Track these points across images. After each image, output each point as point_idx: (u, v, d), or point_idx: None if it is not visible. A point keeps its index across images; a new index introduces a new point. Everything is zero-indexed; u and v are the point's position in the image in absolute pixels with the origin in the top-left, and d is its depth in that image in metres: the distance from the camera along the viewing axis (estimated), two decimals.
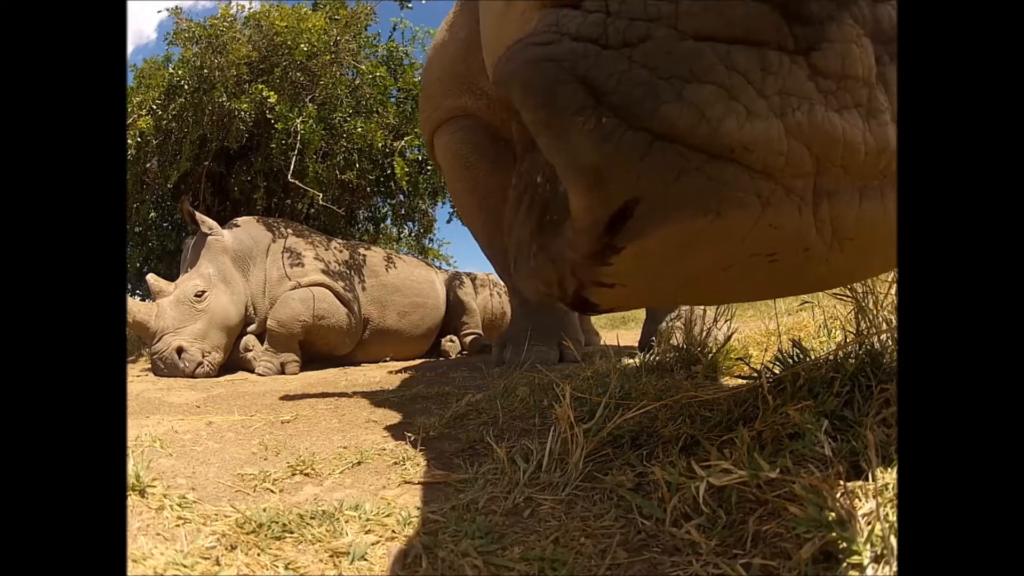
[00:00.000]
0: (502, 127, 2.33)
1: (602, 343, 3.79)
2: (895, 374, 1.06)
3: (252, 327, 3.33)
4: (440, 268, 4.90)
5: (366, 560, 0.76)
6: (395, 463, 1.20)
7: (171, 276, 3.51)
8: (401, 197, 5.13)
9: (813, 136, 0.56)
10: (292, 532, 0.85)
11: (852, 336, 1.21)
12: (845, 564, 0.63)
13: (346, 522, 0.87)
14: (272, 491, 1.08)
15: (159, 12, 4.47)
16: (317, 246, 3.74)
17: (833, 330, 1.74)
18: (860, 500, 0.71)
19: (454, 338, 4.31)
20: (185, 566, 0.75)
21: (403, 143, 4.28)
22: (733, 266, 0.63)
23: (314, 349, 3.47)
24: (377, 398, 2.03)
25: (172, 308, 3.06)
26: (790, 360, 1.17)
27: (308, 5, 4.53)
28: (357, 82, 4.36)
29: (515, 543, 0.78)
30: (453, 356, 4.16)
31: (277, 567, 0.76)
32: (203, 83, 3.90)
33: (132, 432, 1.48)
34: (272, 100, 3.86)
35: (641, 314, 4.03)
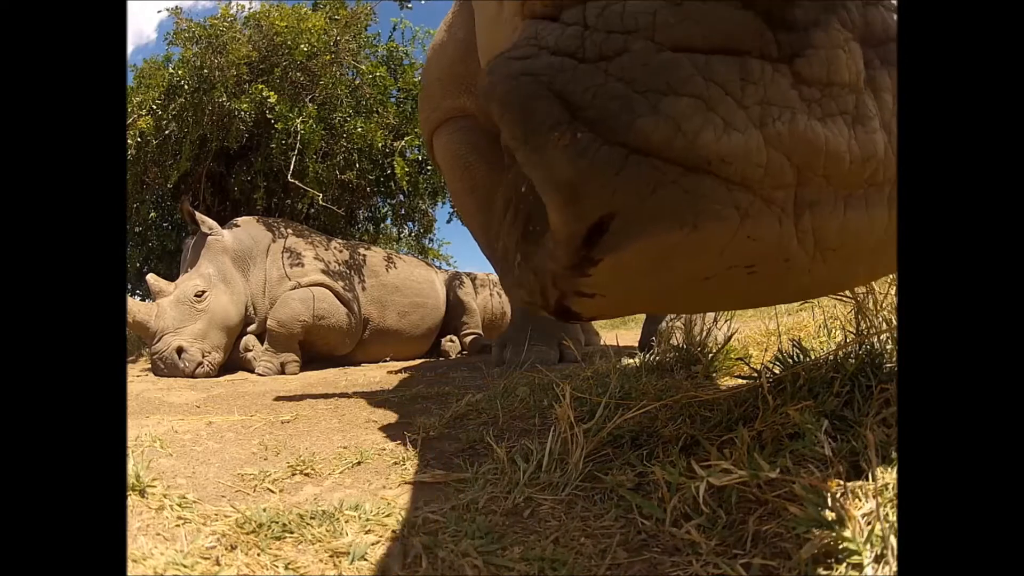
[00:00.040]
0: None
1: (602, 343, 3.80)
2: (895, 374, 1.06)
3: (252, 327, 3.33)
4: (440, 268, 4.90)
5: (366, 560, 0.76)
6: (395, 463, 1.20)
7: (171, 276, 3.51)
8: (401, 197, 5.13)
9: (794, 146, 0.55)
10: (292, 532, 0.85)
11: (852, 336, 1.21)
12: (845, 564, 0.63)
13: (346, 522, 0.87)
14: (272, 491, 1.08)
15: (159, 12, 4.47)
16: (317, 246, 3.74)
17: (833, 330, 1.74)
18: (860, 500, 0.71)
19: (454, 338, 4.31)
20: (185, 566, 0.75)
21: (403, 143, 4.28)
22: (712, 277, 0.62)
23: (314, 349, 3.47)
24: (377, 398, 2.03)
25: (172, 308, 3.06)
26: (790, 360, 1.18)
27: (308, 5, 4.53)
28: (357, 82, 4.36)
29: (515, 543, 0.78)
30: (453, 356, 4.16)
31: (277, 567, 0.76)
32: (203, 83, 3.90)
33: (132, 432, 1.48)
34: (272, 100, 3.86)
35: (641, 314, 4.03)
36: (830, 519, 0.68)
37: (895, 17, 0.65)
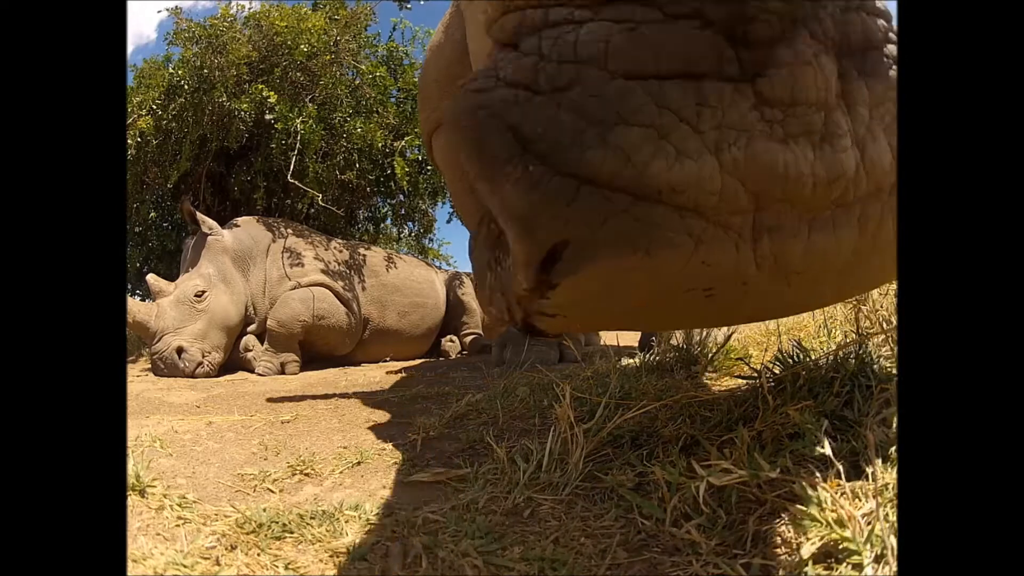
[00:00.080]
0: None
1: (602, 343, 3.80)
2: (895, 374, 1.06)
3: (252, 327, 3.33)
4: (440, 268, 4.90)
5: (366, 560, 0.76)
6: (395, 463, 1.20)
7: (171, 276, 3.51)
8: (401, 197, 5.13)
9: (750, 172, 0.55)
10: (292, 532, 0.85)
11: (852, 336, 1.21)
12: (845, 564, 0.63)
13: (346, 522, 0.87)
14: (272, 491, 1.08)
15: (159, 12, 4.47)
16: (317, 246, 3.74)
17: (833, 330, 1.74)
18: (860, 500, 0.71)
19: (454, 338, 4.31)
20: (185, 566, 0.75)
21: (403, 143, 4.28)
22: (669, 301, 0.63)
23: (314, 349, 3.47)
24: (377, 398, 2.03)
25: (172, 308, 3.06)
26: (790, 360, 1.17)
27: (308, 5, 4.53)
28: (357, 82, 4.36)
29: (515, 543, 0.78)
30: (453, 356, 4.16)
31: (277, 567, 0.76)
32: (203, 83, 3.90)
33: (132, 432, 1.48)
34: (272, 100, 3.86)
35: None
36: (830, 519, 0.68)
37: (880, 22, 0.64)
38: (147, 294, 3.49)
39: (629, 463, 0.99)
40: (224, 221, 3.60)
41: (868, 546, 0.63)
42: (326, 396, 2.19)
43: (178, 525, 0.88)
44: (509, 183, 0.54)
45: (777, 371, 1.14)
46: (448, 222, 5.46)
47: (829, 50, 0.59)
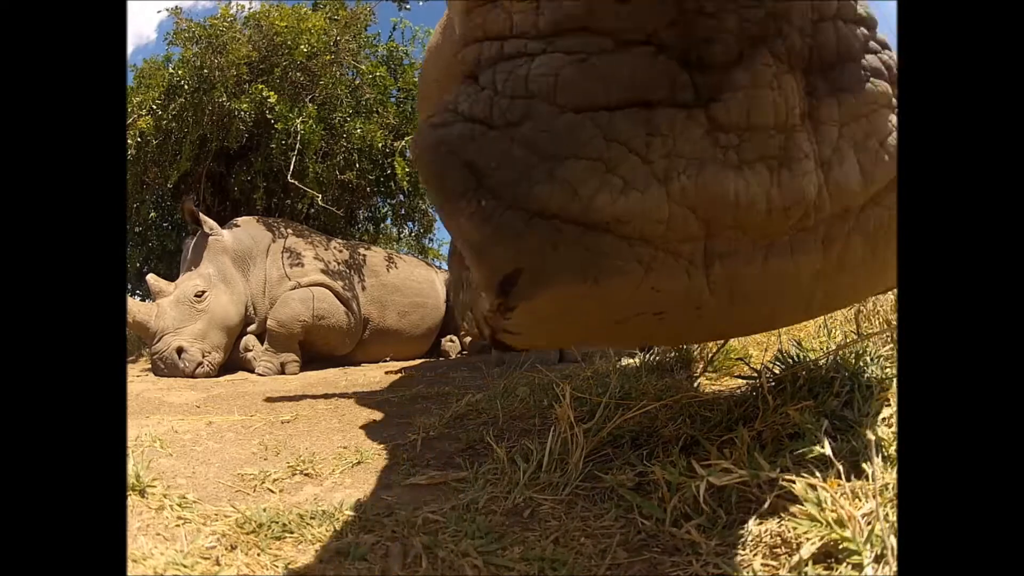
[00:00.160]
0: None
1: None
2: (895, 375, 1.06)
3: (252, 327, 3.33)
4: (440, 268, 4.89)
5: (366, 560, 0.76)
6: (395, 463, 1.20)
7: (171, 276, 3.50)
8: (401, 197, 5.13)
9: (700, 201, 0.56)
10: (292, 532, 0.85)
11: (852, 336, 1.21)
12: (845, 564, 0.63)
13: (346, 522, 0.87)
14: (272, 491, 1.08)
15: (159, 12, 4.46)
16: (317, 246, 3.74)
17: (833, 330, 1.74)
18: (860, 500, 0.71)
19: (454, 338, 4.31)
20: (185, 566, 0.75)
21: (403, 143, 4.27)
22: (622, 322, 0.65)
23: (314, 349, 3.47)
24: (377, 398, 2.03)
25: (172, 308, 3.06)
26: (790, 360, 1.17)
27: (308, 5, 4.53)
28: (357, 82, 4.35)
29: (515, 543, 0.78)
30: (453, 356, 4.15)
31: (277, 567, 0.76)
32: (203, 83, 3.90)
33: (132, 432, 1.48)
34: (272, 100, 3.86)
35: None
36: (830, 519, 0.68)
37: (859, 31, 0.63)
38: (147, 294, 3.48)
39: (629, 463, 0.99)
40: (224, 221, 3.59)
41: (868, 546, 0.63)
42: (326, 396, 2.19)
43: (178, 525, 0.88)
44: (464, 216, 0.56)
45: (777, 371, 1.14)
46: None
47: (795, 68, 0.59)
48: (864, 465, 0.79)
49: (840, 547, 0.64)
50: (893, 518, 0.66)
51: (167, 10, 4.07)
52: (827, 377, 1.06)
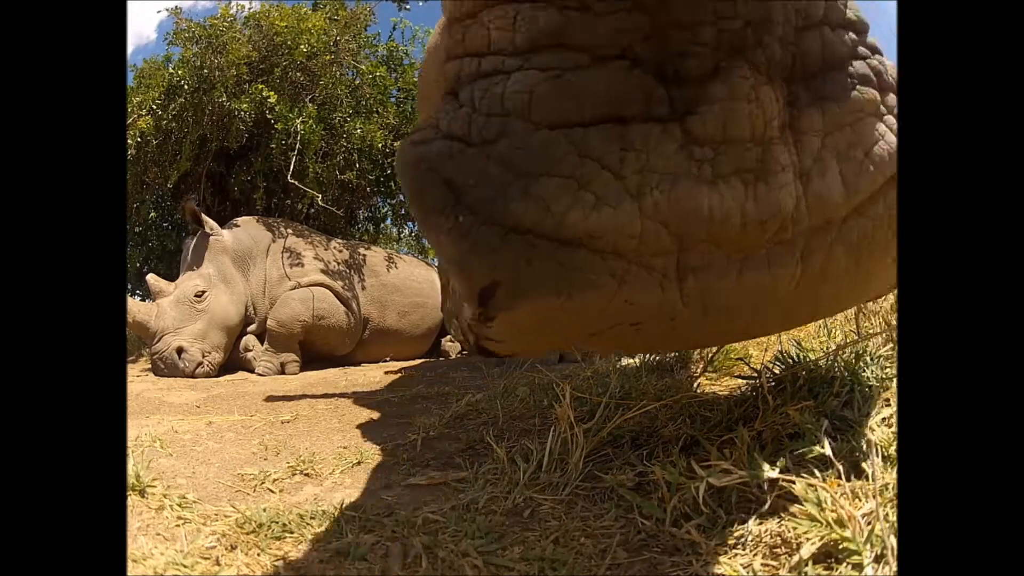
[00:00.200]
0: None
1: None
2: (894, 375, 1.06)
3: (252, 327, 3.33)
4: None
5: (366, 560, 0.76)
6: (395, 463, 1.20)
7: (171, 276, 3.51)
8: (401, 197, 5.12)
9: (672, 216, 0.57)
10: (292, 532, 0.85)
11: (852, 336, 1.21)
12: (845, 564, 0.63)
13: (346, 522, 0.87)
14: (272, 491, 1.08)
15: (159, 12, 4.46)
16: (317, 246, 3.74)
17: (833, 330, 1.73)
18: (860, 500, 0.71)
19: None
20: (185, 566, 0.75)
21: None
22: (598, 333, 0.67)
23: (314, 349, 3.47)
24: (377, 398, 2.03)
25: (172, 308, 3.06)
26: (790, 360, 1.17)
27: (308, 5, 4.53)
28: (357, 82, 4.35)
29: (515, 543, 0.78)
30: (453, 356, 4.15)
31: (277, 567, 0.76)
32: (203, 83, 3.90)
33: (132, 432, 1.48)
34: (272, 100, 3.86)
35: None
36: (830, 519, 0.68)
37: (847, 36, 0.63)
38: (147, 294, 3.48)
39: (629, 463, 0.99)
40: (224, 221, 3.60)
41: (868, 546, 0.63)
42: (326, 396, 2.19)
43: (178, 525, 0.88)
44: (443, 231, 0.58)
45: (777, 371, 1.14)
46: None
47: (775, 78, 0.59)
48: (864, 465, 0.79)
49: (840, 547, 0.64)
50: (893, 518, 0.66)
51: (167, 10, 4.07)
52: (827, 377, 1.06)
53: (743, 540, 0.73)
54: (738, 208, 0.57)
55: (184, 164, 3.98)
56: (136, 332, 3.10)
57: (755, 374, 1.17)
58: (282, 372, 3.23)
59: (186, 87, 3.89)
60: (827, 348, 1.28)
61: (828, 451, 0.78)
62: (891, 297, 1.26)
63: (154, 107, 3.88)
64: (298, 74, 4.14)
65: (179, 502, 0.97)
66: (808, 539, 0.67)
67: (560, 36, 0.58)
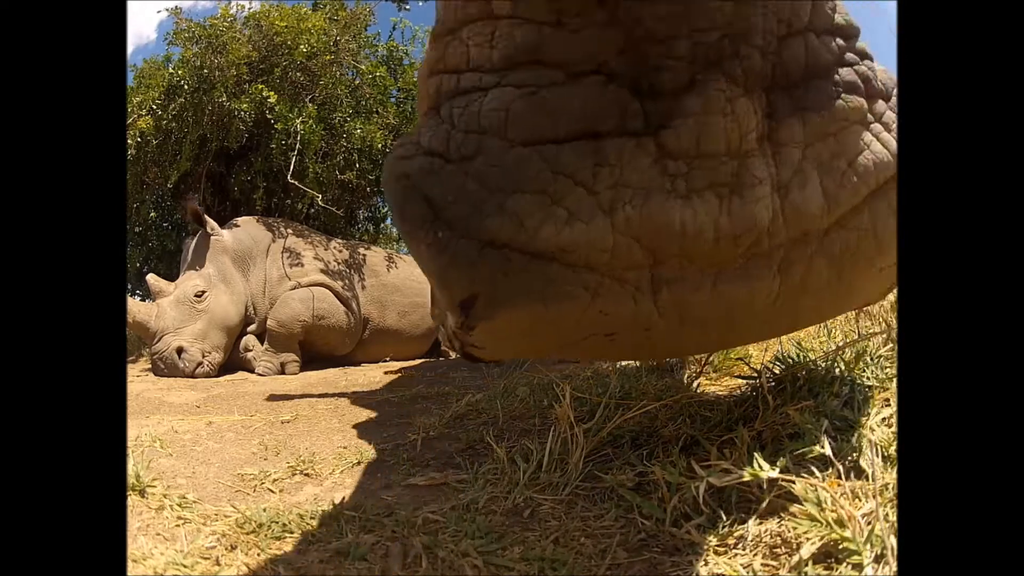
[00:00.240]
0: None
1: None
2: (894, 375, 1.06)
3: (252, 327, 3.33)
4: None
5: (366, 560, 0.76)
6: (395, 463, 1.20)
7: (171, 276, 3.51)
8: None
9: (644, 231, 0.58)
10: (292, 532, 0.85)
11: (852, 336, 1.21)
12: (845, 564, 0.63)
13: (346, 522, 0.87)
14: (272, 491, 1.08)
15: (159, 12, 4.46)
16: (317, 246, 3.74)
17: (833, 330, 1.73)
18: (860, 500, 0.71)
19: None
20: (185, 566, 0.75)
21: None
22: (574, 343, 0.68)
23: (314, 349, 3.47)
24: (377, 398, 2.03)
25: (172, 308, 3.06)
26: (790, 360, 1.17)
27: (308, 5, 4.53)
28: (357, 82, 4.36)
29: (515, 543, 0.78)
30: (453, 356, 4.15)
31: (277, 567, 0.76)
32: (203, 83, 3.90)
33: (132, 432, 1.48)
34: (272, 100, 3.86)
35: None
36: (830, 519, 0.68)
37: (835, 43, 0.62)
38: (147, 294, 3.48)
39: (629, 463, 0.99)
40: (224, 221, 3.60)
41: (868, 546, 0.63)
42: (326, 396, 2.19)
43: (178, 525, 0.88)
44: (424, 245, 0.60)
45: (777, 371, 1.14)
46: None
47: (753, 89, 0.59)
48: (864, 465, 0.79)
49: (840, 547, 0.64)
50: (893, 518, 0.66)
51: (167, 10, 4.07)
52: (827, 377, 1.06)
53: (743, 540, 0.73)
54: (711, 223, 0.58)
55: (184, 164, 3.98)
56: (136, 332, 3.10)
57: (755, 374, 1.17)
58: (282, 372, 3.23)
59: (186, 87, 3.89)
60: (827, 348, 1.28)
61: (828, 451, 0.78)
62: (891, 297, 1.26)
63: (154, 107, 3.88)
64: (298, 74, 4.14)
65: (179, 502, 0.97)
66: (808, 539, 0.67)
67: (536, 53, 0.59)
